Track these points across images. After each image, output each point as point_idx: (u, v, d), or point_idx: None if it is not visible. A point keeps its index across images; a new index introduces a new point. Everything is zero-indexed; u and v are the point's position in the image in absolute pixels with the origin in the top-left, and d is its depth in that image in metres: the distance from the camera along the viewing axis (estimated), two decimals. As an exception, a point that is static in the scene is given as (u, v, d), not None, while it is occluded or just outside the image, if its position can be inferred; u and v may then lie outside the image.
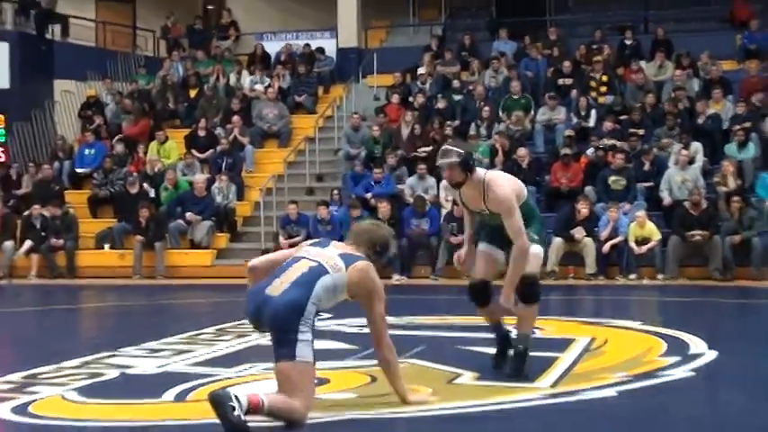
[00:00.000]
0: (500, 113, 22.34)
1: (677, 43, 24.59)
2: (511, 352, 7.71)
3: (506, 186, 7.43)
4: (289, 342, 6.21)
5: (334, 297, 6.44)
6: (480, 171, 7.53)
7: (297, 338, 6.22)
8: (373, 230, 6.92)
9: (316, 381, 7.54)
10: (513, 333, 7.90)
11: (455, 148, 7.39)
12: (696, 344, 8.89)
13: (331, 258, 6.47)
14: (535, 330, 9.05)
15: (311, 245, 6.73)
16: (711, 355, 8.37)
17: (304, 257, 6.49)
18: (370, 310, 6.63)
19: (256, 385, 7.46)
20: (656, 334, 9.76)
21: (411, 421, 6.27)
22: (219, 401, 5.74)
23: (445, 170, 7.46)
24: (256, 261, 6.92)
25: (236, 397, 5.79)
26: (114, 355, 8.88)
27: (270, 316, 6.23)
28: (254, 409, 5.96)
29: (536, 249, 7.57)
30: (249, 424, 5.69)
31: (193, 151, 22.75)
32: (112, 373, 7.99)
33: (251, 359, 8.68)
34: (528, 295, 7.55)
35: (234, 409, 5.73)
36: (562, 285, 16.91)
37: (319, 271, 6.38)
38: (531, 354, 7.63)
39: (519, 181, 7.74)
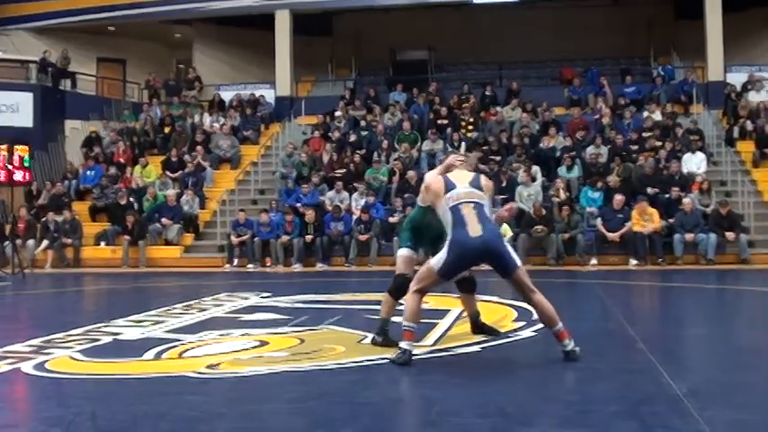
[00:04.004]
0: (395, 145, 22.38)
1: (523, 94, 24.88)
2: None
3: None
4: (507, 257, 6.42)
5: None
6: None
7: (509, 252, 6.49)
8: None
9: (257, 343, 7.53)
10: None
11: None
12: (537, 312, 8.96)
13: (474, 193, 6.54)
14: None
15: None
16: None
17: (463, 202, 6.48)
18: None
19: (215, 346, 7.41)
20: (509, 305, 9.83)
21: (330, 370, 6.24)
22: None
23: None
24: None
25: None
26: (108, 325, 8.75)
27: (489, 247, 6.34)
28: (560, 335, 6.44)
29: (403, 252, 7.33)
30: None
31: (167, 172, 22.63)
32: (106, 339, 7.87)
33: (209, 327, 8.61)
34: (392, 290, 7.23)
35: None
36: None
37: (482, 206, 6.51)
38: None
39: (438, 180, 6.78)
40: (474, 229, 6.35)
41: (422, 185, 7.08)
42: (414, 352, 6.46)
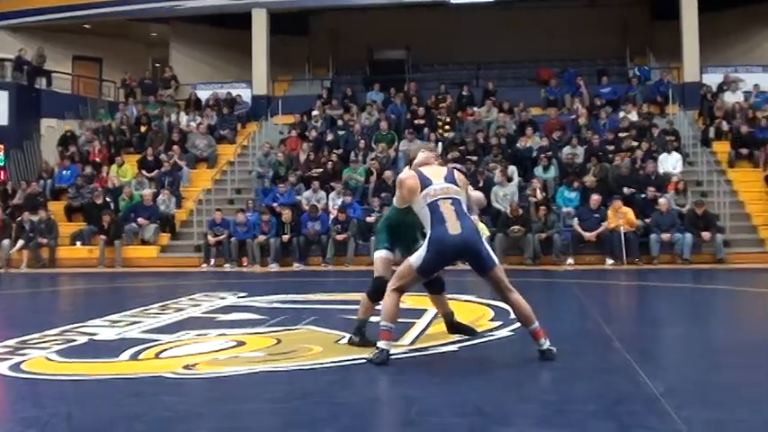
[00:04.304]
0: (372, 144, 22.38)
1: (500, 94, 24.95)
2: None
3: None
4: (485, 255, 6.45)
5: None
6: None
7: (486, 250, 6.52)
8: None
9: (234, 343, 7.52)
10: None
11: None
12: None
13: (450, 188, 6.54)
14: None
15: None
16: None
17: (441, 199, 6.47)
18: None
19: (192, 347, 7.38)
20: (486, 305, 9.83)
21: (307, 370, 6.22)
22: None
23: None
24: None
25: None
26: (84, 326, 8.68)
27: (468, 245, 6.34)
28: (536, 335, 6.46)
29: (380, 254, 7.28)
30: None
31: (143, 172, 22.51)
32: (83, 339, 7.81)
33: (186, 327, 8.57)
34: (370, 292, 7.19)
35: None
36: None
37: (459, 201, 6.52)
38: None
39: (412, 176, 6.69)
40: (453, 227, 6.34)
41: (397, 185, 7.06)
42: (391, 351, 6.45)
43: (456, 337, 7.54)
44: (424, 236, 6.59)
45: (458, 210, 6.44)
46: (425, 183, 6.53)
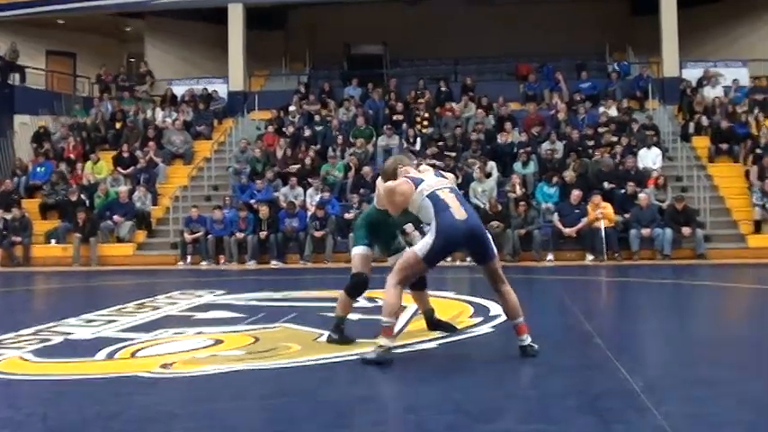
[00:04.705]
0: (350, 140, 22.36)
1: (479, 89, 24.99)
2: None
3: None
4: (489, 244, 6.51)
5: None
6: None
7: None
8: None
9: (212, 341, 7.50)
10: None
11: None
12: (494, 308, 9.00)
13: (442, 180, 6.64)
14: (377, 300, 9.11)
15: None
16: (505, 316, 8.43)
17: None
18: None
19: (169, 345, 7.36)
20: (465, 301, 9.86)
21: (286, 369, 6.22)
22: None
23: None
24: None
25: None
26: (59, 325, 8.64)
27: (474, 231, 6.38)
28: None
29: (359, 250, 7.24)
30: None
31: (119, 168, 22.39)
32: (58, 339, 7.77)
33: (163, 326, 8.55)
34: (348, 288, 7.19)
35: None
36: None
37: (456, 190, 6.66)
38: (375, 317, 7.57)
39: (404, 182, 6.65)
40: (459, 213, 6.36)
41: (377, 190, 7.08)
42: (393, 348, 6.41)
43: (436, 334, 7.55)
44: (403, 232, 6.60)
45: (458, 197, 6.51)
46: (417, 182, 6.56)
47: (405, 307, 8.93)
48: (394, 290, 6.43)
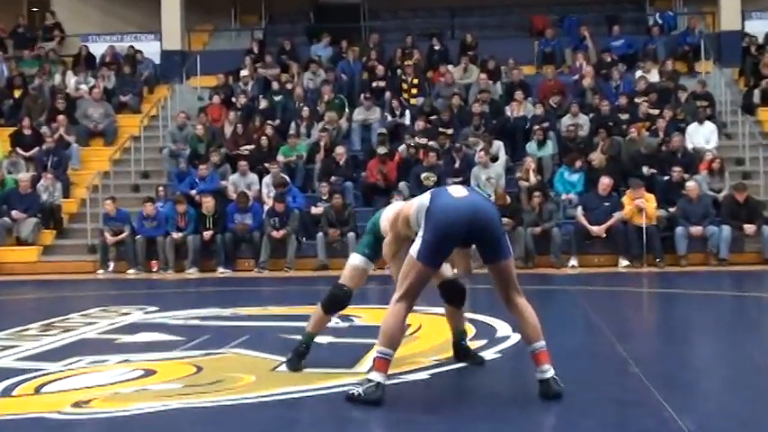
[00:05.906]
0: (318, 113, 22.35)
1: (481, 49, 24.99)
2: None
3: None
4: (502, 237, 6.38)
5: None
6: None
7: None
8: None
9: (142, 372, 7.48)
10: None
11: None
12: (502, 328, 9.00)
13: None
14: (353, 319, 9.09)
15: None
16: (516, 337, 8.42)
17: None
18: None
19: (85, 378, 7.33)
20: (465, 319, 9.84)
21: (236, 407, 6.19)
22: None
23: None
24: None
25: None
26: (-58, 351, 8.61)
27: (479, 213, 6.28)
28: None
29: (355, 260, 7.29)
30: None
31: (18, 149, 22.28)
32: (-59, 369, 7.74)
33: (77, 352, 8.50)
34: (325, 302, 7.24)
35: None
36: (378, 275, 16.98)
37: None
38: (350, 340, 7.55)
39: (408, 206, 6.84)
40: (458, 191, 6.35)
41: (388, 222, 7.09)
42: (386, 385, 6.31)
43: (428, 361, 7.54)
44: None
45: (466, 188, 6.54)
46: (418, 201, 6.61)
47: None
48: (395, 309, 6.37)
